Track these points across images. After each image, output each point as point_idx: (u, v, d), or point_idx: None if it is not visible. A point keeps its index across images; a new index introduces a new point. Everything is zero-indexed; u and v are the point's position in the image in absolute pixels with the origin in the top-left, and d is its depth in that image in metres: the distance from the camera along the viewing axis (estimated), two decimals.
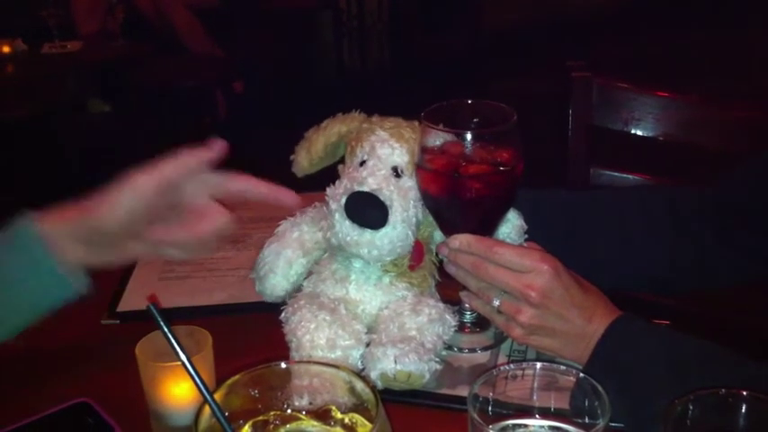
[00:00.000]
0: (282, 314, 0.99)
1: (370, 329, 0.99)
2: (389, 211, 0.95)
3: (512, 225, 1.03)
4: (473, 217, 0.97)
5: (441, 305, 1.00)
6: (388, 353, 0.91)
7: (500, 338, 1.03)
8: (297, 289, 1.05)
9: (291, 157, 1.06)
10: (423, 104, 0.97)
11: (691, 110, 1.49)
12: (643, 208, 1.13)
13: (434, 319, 0.97)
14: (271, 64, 4.54)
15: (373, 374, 0.92)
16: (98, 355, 1.04)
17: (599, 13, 5.56)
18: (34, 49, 3.69)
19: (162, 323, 0.62)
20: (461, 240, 0.95)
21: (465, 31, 5.43)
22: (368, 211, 0.94)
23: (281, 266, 1.04)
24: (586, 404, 0.69)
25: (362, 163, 0.99)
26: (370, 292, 1.01)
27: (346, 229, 0.96)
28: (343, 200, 0.95)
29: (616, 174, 1.55)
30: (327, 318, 0.95)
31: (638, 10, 5.49)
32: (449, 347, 1.01)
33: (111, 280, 1.20)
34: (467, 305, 1.02)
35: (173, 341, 0.61)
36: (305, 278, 1.05)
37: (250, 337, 1.06)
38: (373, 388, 0.59)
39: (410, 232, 0.97)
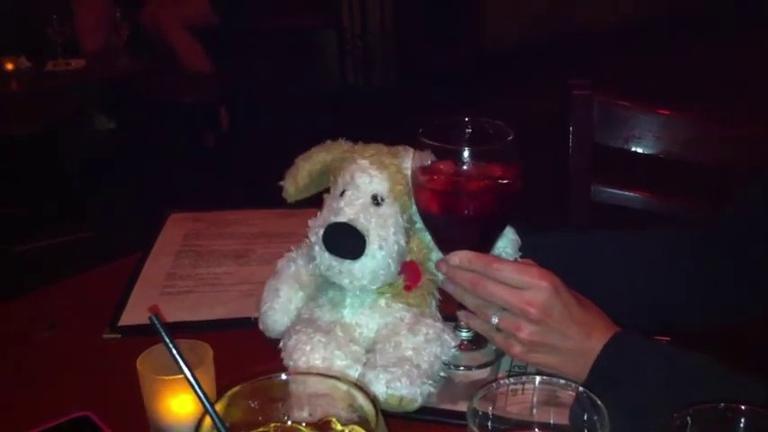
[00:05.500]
0: (281, 342, 1.00)
1: (369, 351, 0.99)
2: (367, 241, 0.95)
3: (507, 240, 1.03)
4: (473, 234, 0.98)
5: (439, 325, 0.99)
6: (380, 377, 0.91)
7: (498, 355, 1.02)
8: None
9: (280, 182, 1.08)
10: (425, 123, 0.97)
11: (691, 127, 1.49)
12: (641, 250, 1.12)
13: (431, 338, 0.97)
14: (273, 83, 4.57)
15: None
16: (99, 369, 1.05)
17: (601, 30, 5.58)
18: (38, 66, 3.71)
19: (164, 333, 0.62)
20: (461, 257, 0.95)
21: (467, 49, 5.45)
22: (344, 241, 0.95)
23: (279, 303, 1.05)
24: (585, 418, 0.69)
25: (343, 193, 1.00)
26: (366, 315, 1.00)
27: (326, 261, 0.98)
28: (321, 232, 0.97)
29: (617, 191, 1.55)
30: (323, 339, 0.95)
31: (640, 27, 5.51)
32: (446, 365, 1.00)
33: (112, 294, 1.20)
34: (463, 323, 1.02)
35: (174, 351, 0.61)
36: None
37: (251, 352, 1.06)
38: (373, 400, 0.59)
39: (391, 261, 0.97)
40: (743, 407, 0.65)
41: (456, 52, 5.42)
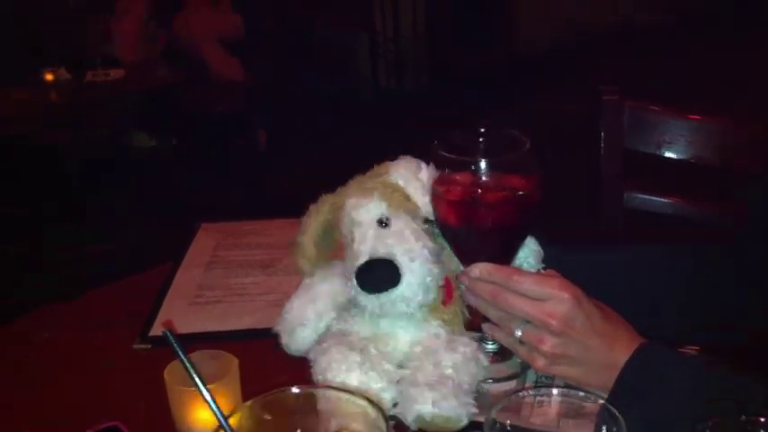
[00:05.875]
0: (310, 353, 0.98)
1: (401, 367, 0.98)
2: (397, 263, 0.95)
3: (529, 250, 1.02)
4: (492, 245, 0.98)
5: (474, 344, 0.99)
6: (425, 395, 0.90)
7: (524, 367, 1.02)
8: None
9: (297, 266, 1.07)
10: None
11: (722, 132, 1.47)
12: (667, 268, 1.10)
13: (470, 357, 0.96)
14: (305, 87, 4.58)
15: (409, 416, 0.91)
16: (129, 379, 1.07)
17: (630, 33, 5.52)
18: (77, 77, 3.76)
19: (177, 348, 0.64)
20: (481, 269, 0.94)
21: (499, 52, 5.43)
22: (377, 277, 0.95)
23: (311, 320, 1.03)
24: (604, 430, 0.68)
25: (353, 238, 0.99)
26: (402, 327, 0.99)
27: (376, 303, 0.96)
28: (354, 281, 0.96)
29: (650, 197, 1.54)
30: (358, 359, 0.94)
31: (670, 29, 5.44)
32: None
33: (143, 305, 1.22)
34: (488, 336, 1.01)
35: (187, 364, 0.63)
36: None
37: (278, 362, 1.06)
38: (384, 413, 0.60)
39: (429, 266, 0.96)
40: (762, 419, 0.65)
41: (488, 55, 5.40)
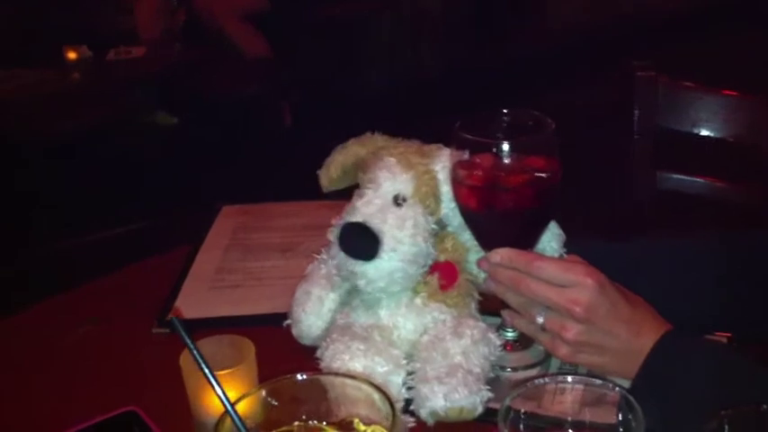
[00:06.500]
0: (318, 351, 0.98)
1: (410, 356, 0.97)
2: (380, 242, 0.93)
3: (551, 234, 0.99)
4: (514, 230, 0.95)
5: (482, 324, 0.97)
6: (435, 390, 0.89)
7: (547, 354, 0.99)
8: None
9: (317, 171, 1.07)
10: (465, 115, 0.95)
11: (759, 110, 1.43)
12: (694, 262, 1.06)
13: (478, 339, 0.94)
14: (326, 70, 4.53)
15: (423, 412, 0.90)
16: (147, 364, 1.06)
17: (665, 17, 5.40)
18: (99, 55, 3.75)
19: (184, 335, 0.63)
20: (502, 254, 0.92)
21: (526, 36, 5.34)
22: (357, 241, 0.94)
23: (312, 306, 1.03)
24: (620, 417, 0.66)
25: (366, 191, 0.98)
26: (402, 315, 0.98)
27: (342, 260, 0.96)
28: (338, 231, 0.96)
29: (684, 177, 1.50)
30: (361, 347, 0.93)
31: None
32: (492, 366, 0.97)
33: (162, 289, 1.21)
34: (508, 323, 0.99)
35: (194, 352, 0.62)
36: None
37: (297, 346, 1.05)
38: (390, 400, 0.58)
39: (405, 263, 0.94)
40: None
41: (515, 38, 5.30)
